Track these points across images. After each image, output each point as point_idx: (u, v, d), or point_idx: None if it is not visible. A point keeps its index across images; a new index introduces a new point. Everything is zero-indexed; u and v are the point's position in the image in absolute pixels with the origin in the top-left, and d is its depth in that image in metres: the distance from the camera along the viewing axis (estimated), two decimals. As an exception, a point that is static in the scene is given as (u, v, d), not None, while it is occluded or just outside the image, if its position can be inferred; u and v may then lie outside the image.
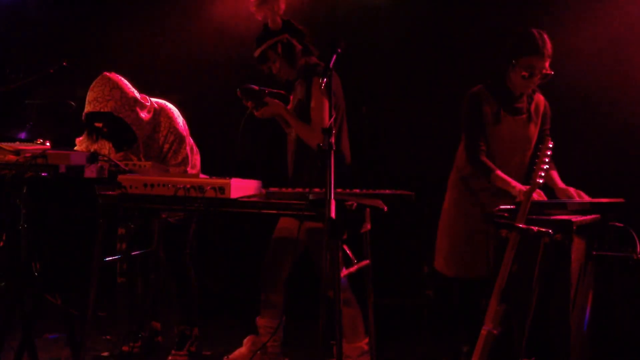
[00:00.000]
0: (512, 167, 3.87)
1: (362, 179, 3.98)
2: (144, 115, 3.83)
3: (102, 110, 3.69)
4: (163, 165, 3.85)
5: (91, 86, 3.77)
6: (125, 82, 3.84)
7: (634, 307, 3.63)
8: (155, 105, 3.97)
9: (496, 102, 3.91)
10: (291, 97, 4.05)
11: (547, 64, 3.80)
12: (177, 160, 3.94)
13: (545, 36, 3.80)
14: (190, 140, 4.14)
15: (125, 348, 4.06)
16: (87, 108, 3.75)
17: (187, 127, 4.12)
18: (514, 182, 3.72)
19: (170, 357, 4.10)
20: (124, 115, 3.72)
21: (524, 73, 3.77)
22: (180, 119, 4.05)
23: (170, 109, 4.02)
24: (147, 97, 3.96)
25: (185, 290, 4.13)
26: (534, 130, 3.95)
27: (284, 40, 3.89)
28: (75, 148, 3.95)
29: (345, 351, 3.82)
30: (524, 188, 3.64)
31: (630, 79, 4.40)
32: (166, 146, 3.93)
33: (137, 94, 3.86)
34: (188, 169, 4.00)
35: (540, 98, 3.99)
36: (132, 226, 3.84)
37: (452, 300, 4.20)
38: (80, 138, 3.94)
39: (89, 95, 3.75)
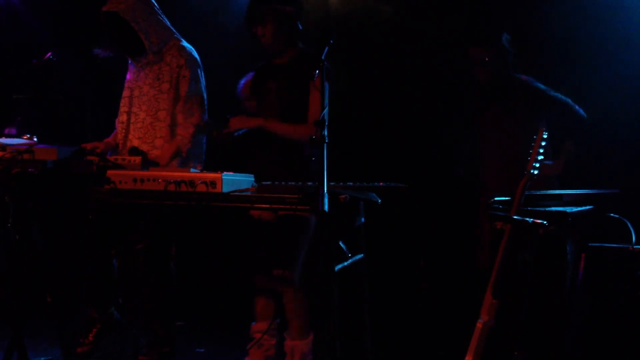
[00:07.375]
0: (502, 165, 3.94)
1: (356, 171, 3.95)
2: (156, 28, 3.88)
3: (110, 10, 3.82)
4: (153, 161, 3.79)
5: None
6: (153, 1, 3.95)
7: (629, 298, 3.62)
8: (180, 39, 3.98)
9: (479, 95, 4.05)
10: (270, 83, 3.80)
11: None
12: (186, 88, 3.88)
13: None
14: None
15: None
16: (103, 8, 3.87)
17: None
18: None
19: (140, 357, 3.83)
20: (131, 19, 3.79)
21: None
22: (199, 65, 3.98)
23: (191, 50, 3.97)
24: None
25: (165, 288, 3.89)
26: (518, 119, 3.93)
27: (286, 9, 3.66)
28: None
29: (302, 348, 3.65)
30: None
31: (625, 67, 4.39)
32: (177, 70, 3.88)
33: (158, 11, 3.94)
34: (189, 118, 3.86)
35: (520, 82, 3.96)
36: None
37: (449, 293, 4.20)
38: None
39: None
